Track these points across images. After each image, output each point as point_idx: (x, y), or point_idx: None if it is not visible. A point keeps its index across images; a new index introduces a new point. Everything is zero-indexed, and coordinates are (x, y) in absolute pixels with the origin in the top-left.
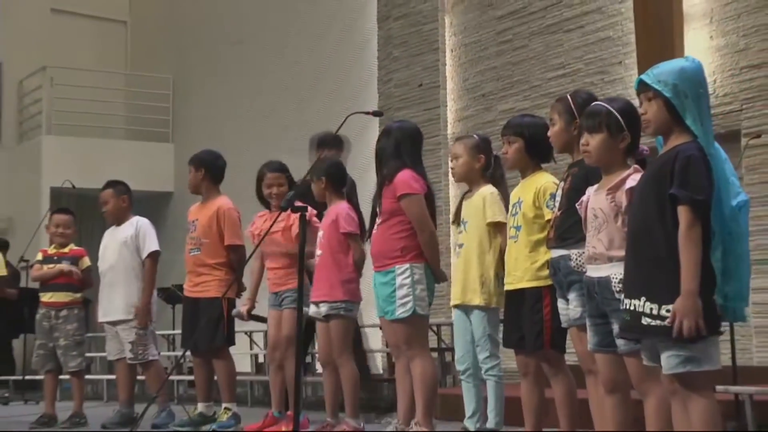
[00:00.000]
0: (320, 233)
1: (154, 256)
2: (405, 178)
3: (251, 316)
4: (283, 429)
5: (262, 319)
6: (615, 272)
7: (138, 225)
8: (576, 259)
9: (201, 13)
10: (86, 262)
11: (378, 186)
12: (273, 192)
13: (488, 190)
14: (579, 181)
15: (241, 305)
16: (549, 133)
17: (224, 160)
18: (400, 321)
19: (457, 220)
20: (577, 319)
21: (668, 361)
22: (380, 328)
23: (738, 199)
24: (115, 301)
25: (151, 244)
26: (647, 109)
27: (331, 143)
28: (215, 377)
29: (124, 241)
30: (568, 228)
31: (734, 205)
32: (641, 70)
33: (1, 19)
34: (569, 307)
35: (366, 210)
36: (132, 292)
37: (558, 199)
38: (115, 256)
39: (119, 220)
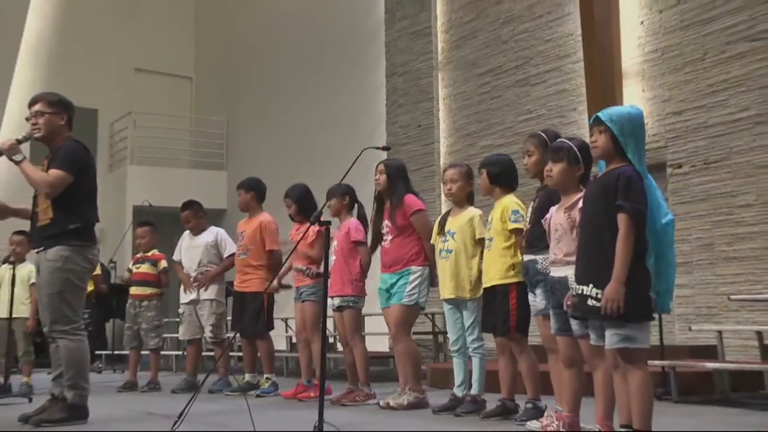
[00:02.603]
0: (334, 242)
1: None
2: (413, 199)
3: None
4: (312, 395)
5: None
6: (571, 273)
7: (217, 233)
8: (541, 263)
9: (249, 72)
10: (163, 264)
11: (378, 208)
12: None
13: (477, 212)
14: (543, 201)
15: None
16: (526, 162)
17: (264, 184)
18: (402, 305)
19: (442, 231)
20: (541, 309)
21: (610, 338)
22: None
23: (667, 218)
24: (197, 289)
25: (232, 247)
26: (597, 138)
27: None
28: (259, 354)
29: (206, 245)
30: (535, 238)
31: (664, 222)
32: (590, 114)
33: (97, 77)
34: (536, 300)
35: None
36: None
37: (529, 215)
38: (200, 257)
39: (201, 230)
